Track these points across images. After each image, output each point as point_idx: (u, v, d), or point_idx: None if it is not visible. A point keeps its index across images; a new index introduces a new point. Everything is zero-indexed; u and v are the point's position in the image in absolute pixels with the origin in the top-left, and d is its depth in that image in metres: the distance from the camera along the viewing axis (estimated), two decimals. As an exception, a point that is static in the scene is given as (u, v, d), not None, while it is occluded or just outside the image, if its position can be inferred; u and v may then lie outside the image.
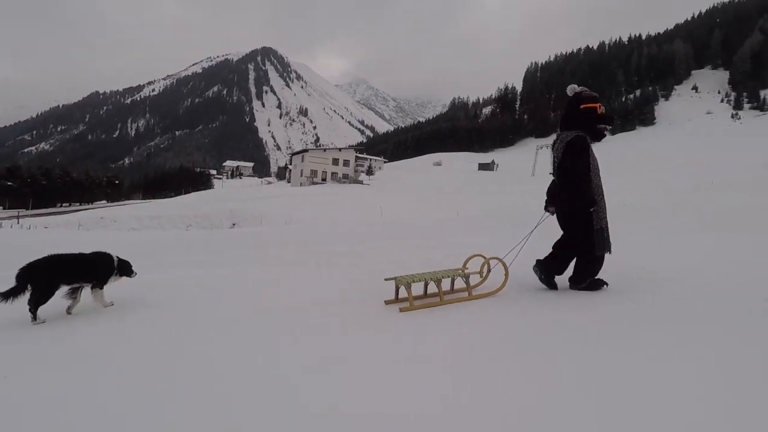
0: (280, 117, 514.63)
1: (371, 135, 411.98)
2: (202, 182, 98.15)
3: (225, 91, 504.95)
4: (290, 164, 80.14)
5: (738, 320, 2.88)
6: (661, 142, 77.86)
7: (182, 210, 29.97)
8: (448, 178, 61.69)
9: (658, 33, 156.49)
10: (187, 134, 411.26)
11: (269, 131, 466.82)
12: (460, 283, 4.13)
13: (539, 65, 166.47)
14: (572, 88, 3.93)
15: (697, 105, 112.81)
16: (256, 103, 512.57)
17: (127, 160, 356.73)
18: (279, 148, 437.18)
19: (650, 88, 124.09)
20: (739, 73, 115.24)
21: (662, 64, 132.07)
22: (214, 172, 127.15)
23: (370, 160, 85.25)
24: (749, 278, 4.11)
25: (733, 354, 2.31)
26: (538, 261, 3.98)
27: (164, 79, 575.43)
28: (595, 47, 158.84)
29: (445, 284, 4.02)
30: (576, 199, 3.68)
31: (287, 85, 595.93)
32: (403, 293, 3.75)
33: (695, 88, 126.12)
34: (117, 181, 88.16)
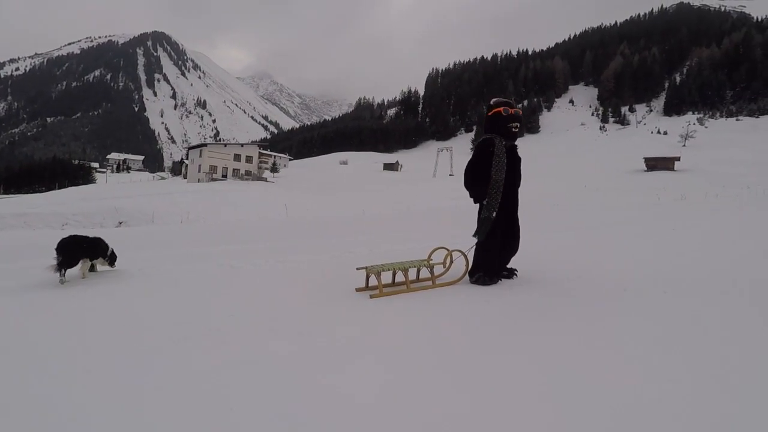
0: (175, 108, 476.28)
1: (275, 131, 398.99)
2: (82, 176, 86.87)
3: (109, 76, 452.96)
4: (187, 159, 74.75)
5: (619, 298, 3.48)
6: (544, 149, 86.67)
7: (56, 207, 26.41)
8: (354, 176, 62.33)
9: (542, 50, 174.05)
10: (61, 122, 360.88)
11: (162, 123, 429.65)
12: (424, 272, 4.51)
13: (440, 71, 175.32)
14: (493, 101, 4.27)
15: (573, 117, 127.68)
16: (146, 92, 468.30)
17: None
18: (174, 142, 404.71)
19: (536, 100, 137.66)
20: (605, 91, 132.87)
21: (545, 78, 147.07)
22: (96, 165, 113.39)
23: (275, 157, 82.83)
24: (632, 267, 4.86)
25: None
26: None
27: (32, 57, 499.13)
28: (489, 58, 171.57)
29: (412, 273, 4.36)
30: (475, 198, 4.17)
31: (183, 74, 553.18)
32: (373, 281, 4.02)
33: (572, 101, 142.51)
34: (-32, 174, 74.74)
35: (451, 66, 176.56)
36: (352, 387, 2.13)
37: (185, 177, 69.77)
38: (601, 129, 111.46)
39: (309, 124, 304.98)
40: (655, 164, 49.35)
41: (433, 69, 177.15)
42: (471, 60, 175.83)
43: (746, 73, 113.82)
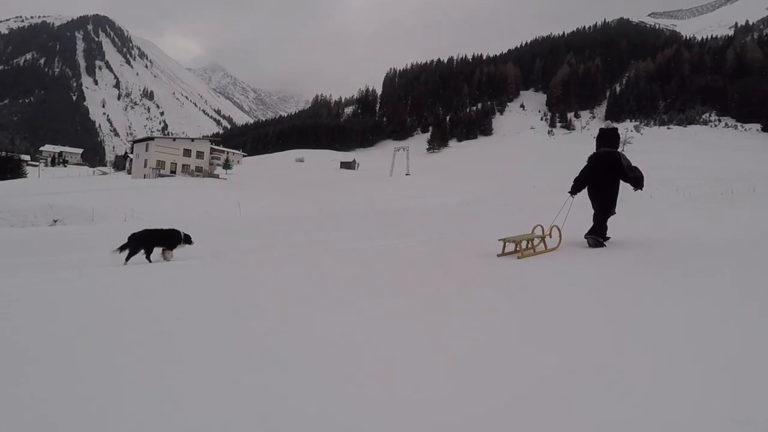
0: (119, 98, 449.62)
1: (228, 126, 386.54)
2: (11, 169, 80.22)
3: (43, 61, 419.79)
4: (131, 153, 70.98)
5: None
6: (497, 150, 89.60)
7: (-19, 202, 24.23)
8: (311, 174, 61.63)
9: (496, 54, 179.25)
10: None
11: (104, 113, 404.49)
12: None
13: (397, 71, 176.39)
14: (609, 123, 7.00)
15: (524, 120, 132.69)
16: (86, 79, 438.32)
17: None
18: (117, 134, 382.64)
19: (489, 103, 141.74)
20: (553, 97, 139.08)
21: (498, 82, 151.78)
22: (27, 157, 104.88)
23: (228, 153, 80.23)
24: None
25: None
26: (587, 233, 6.08)
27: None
28: (445, 61, 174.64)
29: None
30: (642, 183, 6.08)
31: (128, 62, 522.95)
32: (508, 248, 5.75)
33: (522, 106, 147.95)
34: None
35: (408, 66, 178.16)
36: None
37: (129, 172, 66.26)
38: (549, 133, 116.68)
39: (264, 119, 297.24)
40: (598, 168, 52.07)
41: (390, 69, 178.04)
42: (428, 62, 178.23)
43: (676, 87, 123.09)
